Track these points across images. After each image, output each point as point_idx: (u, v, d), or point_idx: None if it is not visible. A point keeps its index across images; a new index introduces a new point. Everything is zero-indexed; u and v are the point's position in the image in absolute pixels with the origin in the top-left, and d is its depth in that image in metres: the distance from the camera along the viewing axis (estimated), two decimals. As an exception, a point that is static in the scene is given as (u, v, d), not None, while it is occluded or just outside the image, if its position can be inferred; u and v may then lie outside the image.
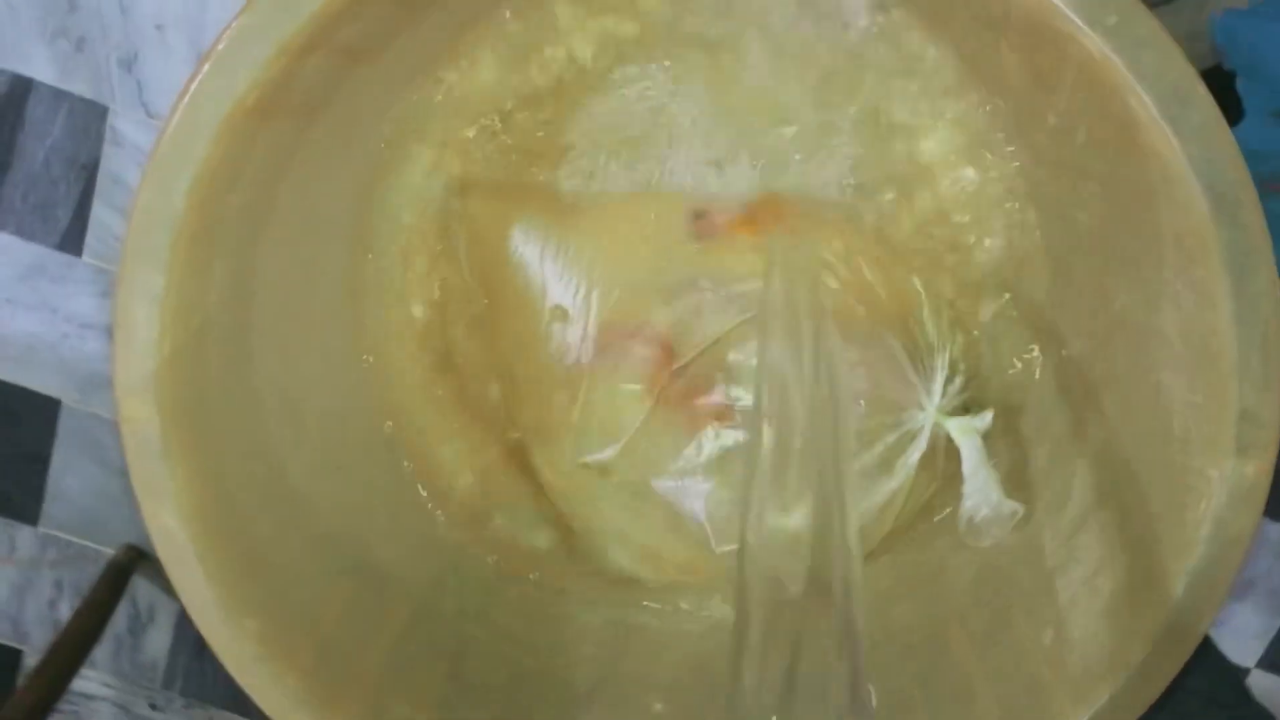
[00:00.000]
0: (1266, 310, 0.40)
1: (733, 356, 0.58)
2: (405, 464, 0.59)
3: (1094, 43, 0.38)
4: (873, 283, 0.55)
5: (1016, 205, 0.53)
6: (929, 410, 0.54)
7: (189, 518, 0.46)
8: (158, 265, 0.42)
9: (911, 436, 0.54)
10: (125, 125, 1.07)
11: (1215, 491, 0.43)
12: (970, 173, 0.53)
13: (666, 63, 0.53)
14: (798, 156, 0.54)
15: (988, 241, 0.54)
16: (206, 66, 0.40)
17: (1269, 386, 0.41)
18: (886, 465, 0.55)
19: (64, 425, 1.19)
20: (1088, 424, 0.52)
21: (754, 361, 0.55)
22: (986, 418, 0.53)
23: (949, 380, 0.55)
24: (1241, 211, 0.39)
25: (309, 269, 0.53)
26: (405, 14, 0.45)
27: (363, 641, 0.53)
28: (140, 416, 0.45)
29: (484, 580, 0.59)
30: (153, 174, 0.41)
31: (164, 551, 0.47)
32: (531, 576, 0.61)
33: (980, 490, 0.51)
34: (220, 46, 0.40)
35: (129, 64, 1.05)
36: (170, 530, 0.46)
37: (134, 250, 0.42)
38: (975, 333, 0.56)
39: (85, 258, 1.12)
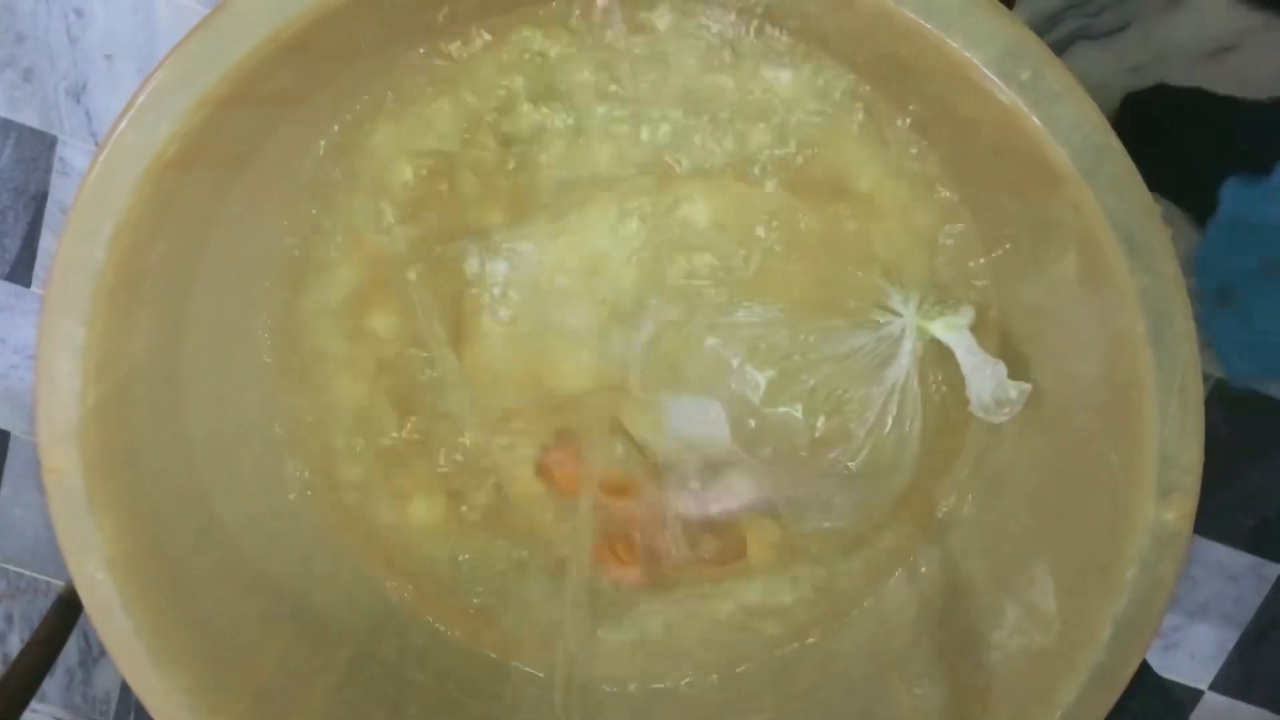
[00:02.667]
0: (1184, 355, 0.41)
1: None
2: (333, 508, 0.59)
3: (1008, 97, 0.38)
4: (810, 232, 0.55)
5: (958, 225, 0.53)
6: (907, 315, 0.53)
7: (116, 567, 0.46)
8: (79, 316, 0.42)
9: (894, 342, 0.53)
10: (74, 155, 1.06)
11: (1139, 536, 0.43)
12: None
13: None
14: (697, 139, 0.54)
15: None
16: (126, 119, 0.40)
17: (1187, 432, 0.41)
18: (871, 374, 0.53)
19: (13, 457, 1.18)
20: (1019, 464, 0.52)
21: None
22: (968, 313, 0.52)
23: (924, 295, 0.54)
24: (1156, 260, 0.40)
25: (243, 312, 0.53)
26: (329, 66, 0.45)
27: (301, 688, 0.53)
28: (64, 467, 0.44)
29: (424, 626, 0.59)
30: (73, 225, 0.41)
31: (90, 602, 0.46)
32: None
33: (983, 378, 0.50)
34: (140, 99, 0.39)
35: (78, 94, 1.04)
36: (96, 581, 0.45)
37: (55, 302, 0.42)
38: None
39: (34, 288, 1.11)
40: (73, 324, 0.42)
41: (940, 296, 0.53)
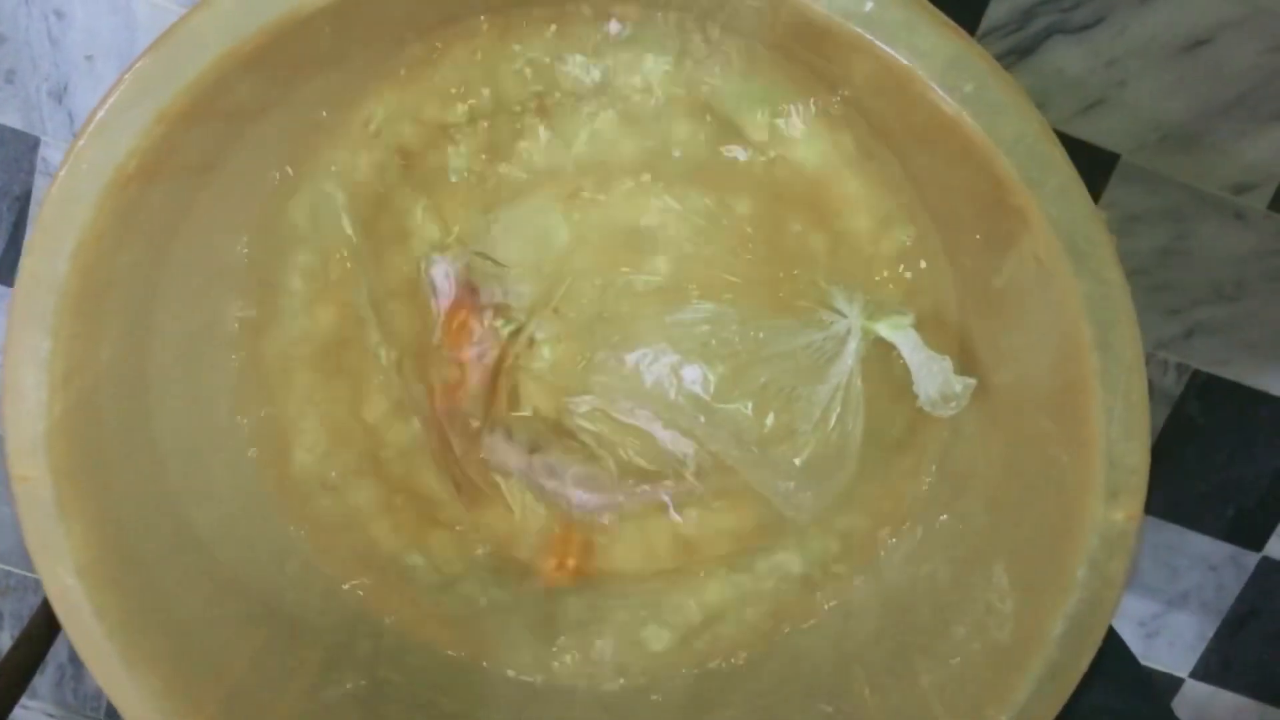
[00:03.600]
0: (1128, 360, 0.41)
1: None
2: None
3: (953, 108, 0.39)
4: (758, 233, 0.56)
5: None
6: (851, 316, 0.54)
7: (86, 574, 0.46)
8: (44, 329, 0.42)
9: (840, 341, 0.54)
10: (57, 155, 1.07)
11: (1088, 535, 0.44)
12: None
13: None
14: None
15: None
16: (86, 134, 0.40)
17: (1133, 435, 0.42)
18: (819, 372, 0.54)
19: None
20: (978, 463, 0.53)
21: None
22: (910, 314, 0.53)
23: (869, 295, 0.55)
24: (1100, 266, 0.40)
25: (209, 318, 0.54)
26: (285, 80, 0.45)
27: (275, 690, 0.54)
28: (32, 476, 0.45)
29: (396, 625, 0.59)
30: (37, 239, 0.42)
31: (61, 608, 0.47)
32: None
33: (928, 372, 0.51)
34: (98, 115, 0.40)
35: (59, 95, 1.05)
36: (67, 587, 0.46)
37: (20, 314, 0.42)
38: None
39: (19, 288, 1.12)
40: (38, 336, 0.43)
41: (892, 298, 0.54)
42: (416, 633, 0.59)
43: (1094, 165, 1.04)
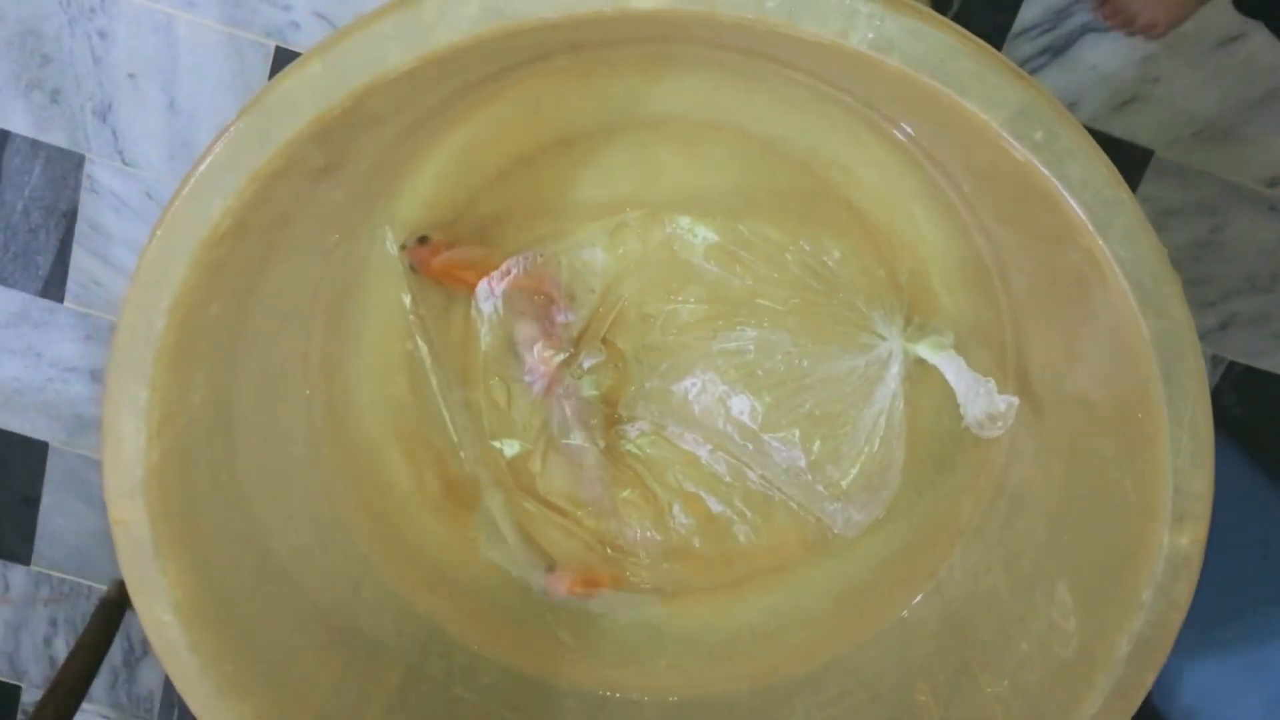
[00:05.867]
0: (1193, 392, 0.43)
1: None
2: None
3: (1023, 155, 0.40)
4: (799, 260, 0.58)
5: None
6: (892, 339, 0.55)
7: (181, 609, 0.48)
8: (142, 380, 0.44)
9: (882, 364, 0.56)
10: (101, 173, 1.09)
11: (1155, 559, 0.45)
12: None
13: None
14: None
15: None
16: (181, 196, 0.42)
17: (1199, 463, 0.43)
18: (864, 395, 0.56)
19: (52, 466, 1.21)
20: (1037, 483, 0.54)
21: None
22: (950, 335, 0.54)
23: (909, 317, 0.57)
24: (1167, 304, 0.41)
25: (286, 357, 0.55)
26: (364, 131, 0.46)
27: (356, 711, 0.56)
28: (131, 519, 0.46)
29: (468, 644, 0.61)
30: (134, 295, 0.43)
31: (157, 644, 0.49)
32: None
33: (972, 394, 0.52)
34: (196, 174, 0.42)
35: (103, 113, 1.07)
36: (163, 624, 0.48)
37: (119, 367, 0.44)
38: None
39: (67, 303, 1.14)
40: (136, 387, 0.44)
41: (935, 320, 0.56)
42: (489, 651, 0.61)
43: (1128, 161, 1.05)
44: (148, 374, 0.44)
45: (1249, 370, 1.10)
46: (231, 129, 0.41)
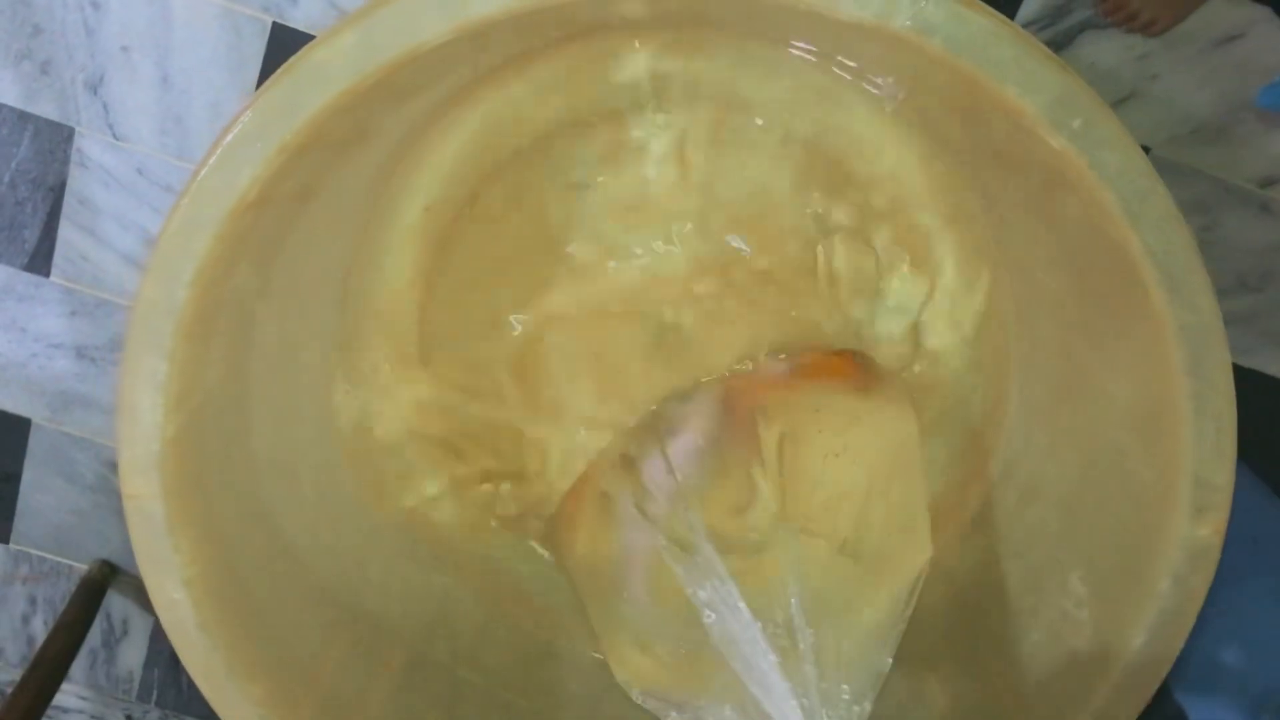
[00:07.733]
0: (1220, 385, 0.43)
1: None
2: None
3: (1060, 143, 0.40)
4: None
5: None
6: None
7: (193, 587, 0.48)
8: (161, 353, 0.43)
9: None
10: (91, 147, 1.07)
11: (1172, 550, 0.45)
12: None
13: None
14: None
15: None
16: (208, 165, 0.41)
17: (1222, 455, 0.44)
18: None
19: (34, 443, 1.19)
20: (1049, 473, 0.54)
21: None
22: None
23: None
24: (1196, 296, 0.42)
25: (302, 334, 0.54)
26: (390, 105, 0.46)
27: (361, 693, 0.55)
28: (145, 494, 0.46)
29: (474, 623, 0.61)
30: (156, 266, 0.42)
31: (168, 622, 0.48)
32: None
33: None
34: (224, 143, 0.41)
35: (95, 86, 1.05)
36: (175, 602, 0.47)
37: (137, 339, 0.43)
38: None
39: (53, 278, 1.12)
40: (155, 360, 0.44)
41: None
42: (495, 627, 0.61)
43: (1124, 158, 1.05)
44: (167, 346, 0.43)
45: (1237, 368, 1.11)
46: (261, 98, 0.40)
